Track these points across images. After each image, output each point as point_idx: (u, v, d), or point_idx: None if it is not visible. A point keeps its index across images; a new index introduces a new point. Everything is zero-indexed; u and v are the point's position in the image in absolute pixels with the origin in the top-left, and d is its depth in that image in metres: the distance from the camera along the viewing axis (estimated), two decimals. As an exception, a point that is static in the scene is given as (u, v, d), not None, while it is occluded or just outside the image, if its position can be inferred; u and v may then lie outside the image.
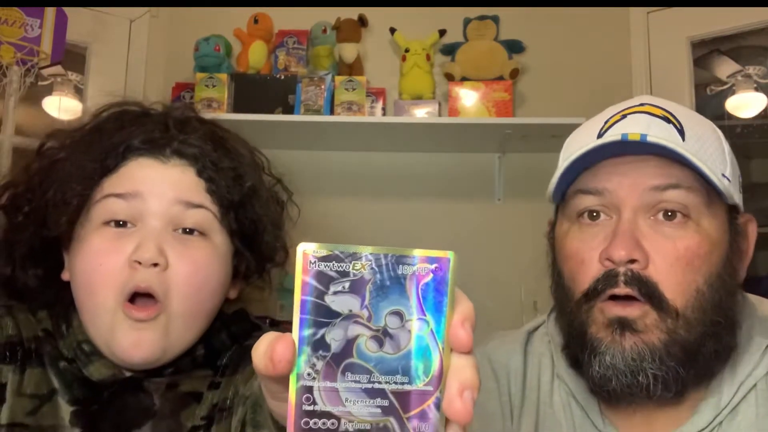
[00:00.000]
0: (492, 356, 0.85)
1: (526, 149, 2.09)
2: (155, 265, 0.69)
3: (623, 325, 0.69)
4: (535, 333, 0.86)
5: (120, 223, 0.71)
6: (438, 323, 0.34)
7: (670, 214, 0.70)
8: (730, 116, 2.41)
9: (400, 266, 0.34)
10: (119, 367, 0.72)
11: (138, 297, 0.70)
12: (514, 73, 2.07)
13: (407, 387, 0.33)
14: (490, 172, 2.18)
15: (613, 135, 0.71)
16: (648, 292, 0.68)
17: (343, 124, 1.98)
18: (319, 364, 0.33)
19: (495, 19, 2.14)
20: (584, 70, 2.18)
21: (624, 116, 0.74)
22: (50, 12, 1.77)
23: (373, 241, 0.34)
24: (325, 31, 2.15)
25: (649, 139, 0.69)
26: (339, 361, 0.33)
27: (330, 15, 2.15)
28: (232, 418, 0.70)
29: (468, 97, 2.04)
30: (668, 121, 0.72)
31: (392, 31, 2.14)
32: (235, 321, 0.82)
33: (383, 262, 0.33)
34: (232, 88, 2.05)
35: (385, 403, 0.33)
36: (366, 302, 0.33)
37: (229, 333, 0.81)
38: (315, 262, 0.33)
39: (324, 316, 0.33)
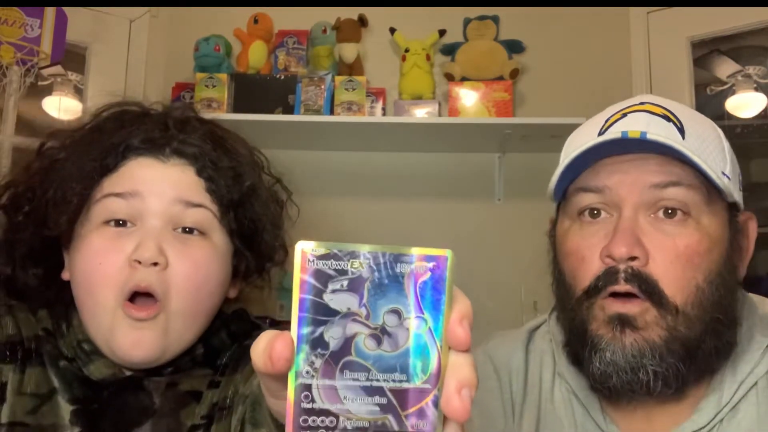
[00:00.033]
0: (493, 354, 0.85)
1: (526, 149, 2.09)
2: (155, 264, 0.69)
3: (623, 322, 0.69)
4: (537, 331, 0.86)
5: (120, 223, 0.71)
6: (436, 321, 0.34)
7: (670, 211, 0.70)
8: (730, 116, 2.41)
9: (398, 264, 0.34)
10: (119, 366, 0.72)
11: (138, 296, 0.70)
12: (514, 73, 2.07)
13: (405, 385, 0.33)
14: (490, 172, 2.18)
15: (613, 133, 0.72)
16: (648, 289, 0.69)
17: (343, 124, 1.98)
18: (318, 362, 0.33)
19: (495, 19, 2.14)
20: (584, 70, 2.19)
21: (624, 115, 0.75)
22: (50, 12, 1.77)
23: (373, 241, 0.34)
24: (325, 31, 2.15)
25: (649, 136, 0.69)
26: (337, 359, 0.33)
27: (330, 15, 2.16)
28: (232, 417, 0.71)
29: (468, 97, 2.04)
30: (668, 119, 0.73)
31: (392, 31, 2.14)
32: (235, 320, 0.83)
33: (381, 260, 0.34)
34: (232, 88, 2.05)
35: (384, 400, 0.33)
36: (364, 300, 0.33)
37: (228, 332, 0.81)
38: (313, 260, 0.33)
39: (322, 314, 0.33)
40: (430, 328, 0.34)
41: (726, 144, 0.75)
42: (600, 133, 0.74)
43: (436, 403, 0.33)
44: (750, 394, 0.71)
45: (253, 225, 0.78)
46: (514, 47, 2.13)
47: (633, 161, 0.72)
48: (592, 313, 0.71)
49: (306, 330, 0.33)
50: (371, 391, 0.33)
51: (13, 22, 1.71)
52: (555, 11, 2.21)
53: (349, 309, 0.33)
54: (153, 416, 0.73)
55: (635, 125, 0.72)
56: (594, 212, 0.74)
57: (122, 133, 0.75)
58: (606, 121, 0.75)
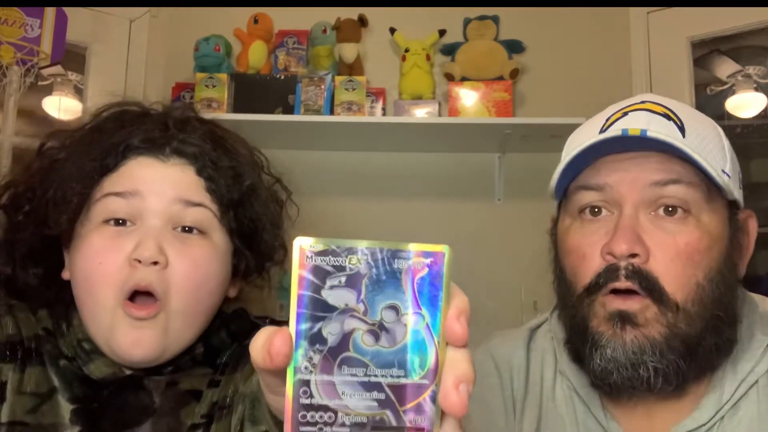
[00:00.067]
0: (495, 353, 0.86)
1: (526, 149, 2.09)
2: (155, 263, 0.69)
3: (624, 319, 0.70)
4: (538, 330, 0.87)
5: (120, 222, 0.71)
6: (433, 317, 0.34)
7: (670, 209, 0.71)
8: (730, 116, 2.41)
9: (396, 260, 0.34)
10: (119, 365, 0.72)
11: (138, 295, 0.70)
12: (514, 73, 2.07)
13: (403, 380, 0.34)
14: (490, 172, 2.18)
15: (614, 131, 0.72)
16: (648, 286, 0.69)
17: (343, 124, 1.98)
18: (316, 358, 0.33)
19: (495, 19, 2.14)
20: (584, 70, 2.19)
21: (625, 113, 0.75)
22: (50, 12, 1.77)
23: (373, 242, 0.34)
24: (325, 31, 2.15)
25: (650, 134, 0.70)
26: (336, 354, 0.33)
27: (330, 15, 2.16)
28: (232, 416, 0.71)
29: (468, 97, 2.04)
30: (669, 118, 0.73)
31: (392, 31, 2.14)
32: (235, 320, 0.83)
33: (379, 256, 0.34)
34: (232, 88, 2.05)
35: (382, 396, 0.33)
36: (362, 296, 0.34)
37: (228, 331, 0.81)
38: (311, 256, 0.34)
39: (321, 310, 0.33)
40: (427, 324, 0.34)
41: (726, 142, 0.76)
42: (601, 132, 0.74)
43: (433, 399, 0.34)
44: (751, 392, 0.72)
45: (253, 224, 0.78)
46: (514, 47, 2.13)
47: (633, 159, 0.72)
48: (592, 310, 0.72)
49: (304, 326, 0.33)
50: (369, 386, 0.33)
51: (13, 22, 1.71)
52: (555, 11, 2.21)
53: (347, 305, 0.34)
54: (153, 415, 0.73)
55: (636, 123, 0.72)
56: (595, 210, 0.74)
57: (122, 132, 0.75)
58: (607, 120, 0.76)
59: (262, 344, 0.33)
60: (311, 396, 0.33)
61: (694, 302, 0.69)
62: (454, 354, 0.34)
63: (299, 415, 0.33)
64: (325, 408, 0.33)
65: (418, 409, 0.33)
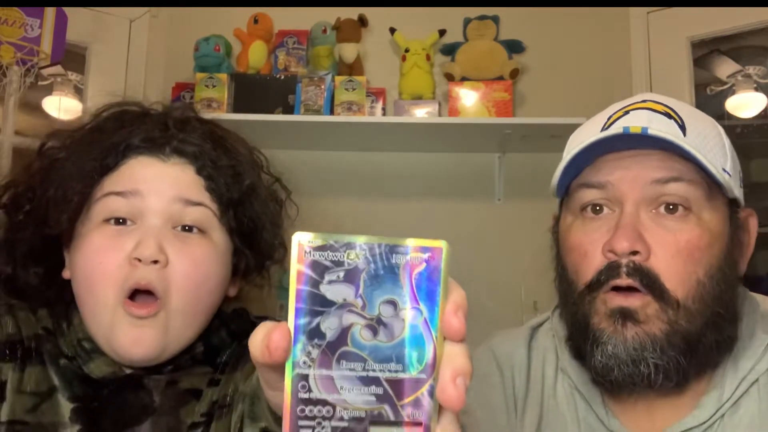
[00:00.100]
0: (496, 351, 0.86)
1: (526, 149, 2.09)
2: (155, 262, 0.69)
3: (625, 316, 0.70)
4: (540, 329, 0.87)
5: (120, 221, 0.72)
6: (431, 312, 0.34)
7: (671, 207, 0.71)
8: (730, 116, 2.41)
9: (394, 255, 0.34)
10: (119, 364, 0.72)
11: (138, 294, 0.70)
12: (514, 73, 2.07)
13: (401, 375, 0.34)
14: (490, 172, 2.18)
15: (615, 129, 0.72)
16: (649, 283, 0.70)
17: (343, 124, 1.98)
18: (315, 353, 0.33)
19: (495, 19, 2.14)
20: (584, 70, 2.19)
21: (627, 112, 0.76)
22: (50, 12, 1.77)
23: (373, 242, 0.35)
24: (325, 31, 2.15)
25: (651, 132, 0.70)
26: (334, 349, 0.33)
27: (330, 15, 2.16)
28: (232, 414, 0.71)
29: (468, 97, 2.04)
30: (669, 116, 0.74)
31: (392, 31, 2.14)
32: (235, 319, 0.83)
33: (377, 251, 0.34)
34: (232, 88, 2.05)
35: (380, 390, 0.34)
36: (360, 291, 0.34)
37: (228, 331, 0.81)
38: (310, 251, 0.34)
39: (319, 305, 0.34)
40: (425, 319, 0.34)
41: (727, 141, 0.76)
42: (602, 130, 0.75)
43: (431, 393, 0.34)
44: (751, 390, 0.72)
45: (253, 223, 0.78)
46: (514, 47, 2.13)
47: (635, 157, 0.73)
48: (594, 307, 0.72)
49: (303, 321, 0.33)
50: (367, 381, 0.33)
51: (13, 22, 1.71)
52: (555, 11, 2.21)
53: (345, 300, 0.34)
54: (153, 414, 0.73)
55: (637, 121, 0.73)
56: (596, 208, 0.75)
57: (122, 132, 0.75)
58: (608, 119, 0.76)
59: (261, 339, 0.34)
60: (310, 390, 0.33)
61: (694, 299, 0.70)
62: (452, 348, 0.34)
63: (298, 410, 0.33)
64: (324, 402, 0.33)
65: (416, 404, 0.34)
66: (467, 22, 2.15)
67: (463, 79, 2.07)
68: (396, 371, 0.34)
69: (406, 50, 2.10)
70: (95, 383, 0.72)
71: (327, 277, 0.34)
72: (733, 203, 0.75)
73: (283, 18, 2.18)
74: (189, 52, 2.10)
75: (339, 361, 0.33)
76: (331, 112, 2.03)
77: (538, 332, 0.87)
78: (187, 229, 0.73)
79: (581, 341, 0.74)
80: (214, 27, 2.15)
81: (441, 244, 0.34)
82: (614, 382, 0.71)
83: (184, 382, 0.76)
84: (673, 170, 0.71)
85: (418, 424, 0.34)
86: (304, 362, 0.33)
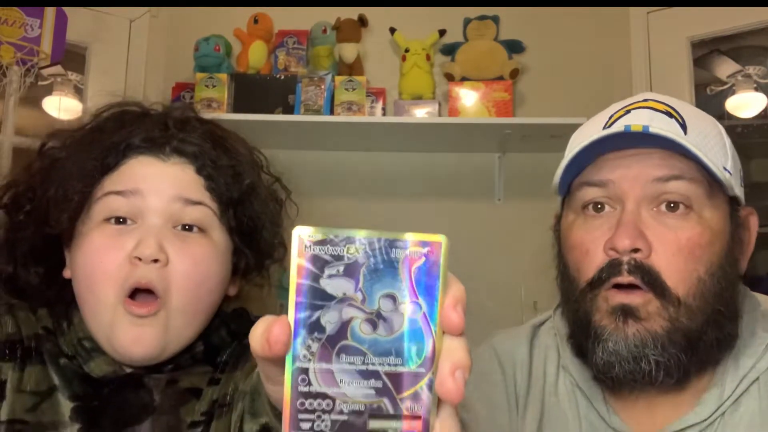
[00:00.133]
0: (498, 349, 0.87)
1: (526, 149, 2.09)
2: (155, 261, 0.69)
3: (626, 313, 0.70)
4: (541, 327, 0.88)
5: (120, 220, 0.72)
6: (431, 306, 0.34)
7: (672, 205, 0.72)
8: (730, 116, 2.41)
9: (393, 250, 0.34)
10: (119, 363, 0.73)
11: (138, 293, 0.70)
12: (514, 73, 2.07)
13: (400, 369, 0.34)
14: (490, 172, 2.18)
15: (617, 128, 0.73)
16: (650, 281, 0.70)
17: (343, 124, 1.98)
18: (315, 346, 0.34)
19: (495, 19, 2.14)
20: (584, 70, 2.19)
21: (628, 111, 0.76)
22: (50, 12, 1.77)
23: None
24: (325, 31, 2.15)
25: (652, 130, 0.70)
26: (334, 343, 0.34)
27: (330, 15, 2.16)
28: (232, 413, 0.71)
29: (468, 97, 2.05)
30: (670, 115, 0.74)
31: (392, 31, 2.15)
32: (235, 319, 0.83)
33: (376, 245, 0.34)
34: (232, 88, 2.06)
35: (379, 384, 0.34)
36: (360, 285, 0.34)
37: (228, 330, 0.81)
38: (310, 246, 0.34)
39: (319, 299, 0.34)
40: (424, 313, 0.34)
41: (727, 140, 0.77)
42: (604, 129, 0.75)
43: (430, 387, 0.34)
44: (752, 388, 0.72)
45: (253, 223, 0.79)
46: (514, 47, 2.13)
47: (636, 156, 0.73)
48: (595, 304, 0.72)
49: (303, 314, 0.34)
50: (367, 374, 0.34)
51: (13, 22, 1.72)
52: (555, 11, 2.22)
53: (345, 294, 0.34)
54: (153, 413, 0.73)
55: (638, 120, 0.73)
56: (598, 206, 0.75)
57: (122, 132, 0.75)
58: (610, 117, 0.77)
59: (261, 332, 0.34)
60: (309, 384, 0.33)
61: (695, 296, 0.70)
62: (451, 342, 0.34)
63: (298, 403, 0.33)
64: (324, 396, 0.33)
65: (415, 397, 0.34)
66: (467, 22, 2.15)
67: (463, 79, 2.07)
68: (395, 365, 0.34)
69: (406, 50, 2.10)
70: (95, 382, 0.72)
71: (327, 271, 0.34)
72: (733, 201, 0.75)
73: (283, 18, 2.19)
74: (189, 52, 2.10)
75: (339, 354, 0.34)
76: (331, 112, 2.03)
77: (540, 330, 0.87)
78: (187, 228, 0.73)
79: (583, 339, 0.74)
80: (214, 27, 2.15)
81: (440, 238, 0.34)
82: (615, 380, 0.71)
83: (185, 381, 0.76)
84: (674, 168, 0.72)
85: (417, 417, 0.34)
86: (304, 356, 0.33)
